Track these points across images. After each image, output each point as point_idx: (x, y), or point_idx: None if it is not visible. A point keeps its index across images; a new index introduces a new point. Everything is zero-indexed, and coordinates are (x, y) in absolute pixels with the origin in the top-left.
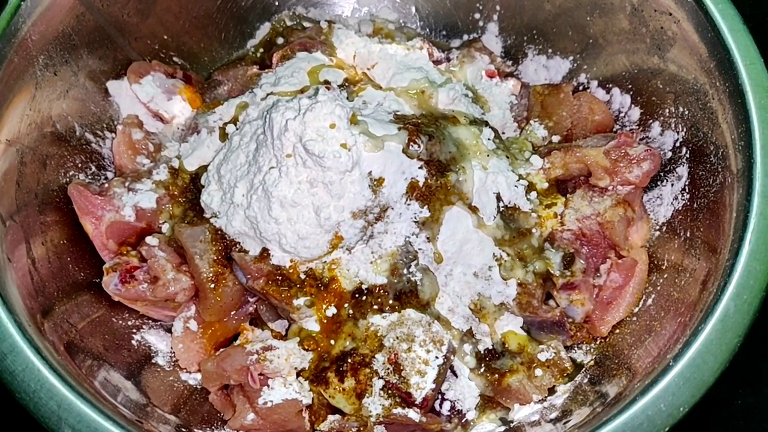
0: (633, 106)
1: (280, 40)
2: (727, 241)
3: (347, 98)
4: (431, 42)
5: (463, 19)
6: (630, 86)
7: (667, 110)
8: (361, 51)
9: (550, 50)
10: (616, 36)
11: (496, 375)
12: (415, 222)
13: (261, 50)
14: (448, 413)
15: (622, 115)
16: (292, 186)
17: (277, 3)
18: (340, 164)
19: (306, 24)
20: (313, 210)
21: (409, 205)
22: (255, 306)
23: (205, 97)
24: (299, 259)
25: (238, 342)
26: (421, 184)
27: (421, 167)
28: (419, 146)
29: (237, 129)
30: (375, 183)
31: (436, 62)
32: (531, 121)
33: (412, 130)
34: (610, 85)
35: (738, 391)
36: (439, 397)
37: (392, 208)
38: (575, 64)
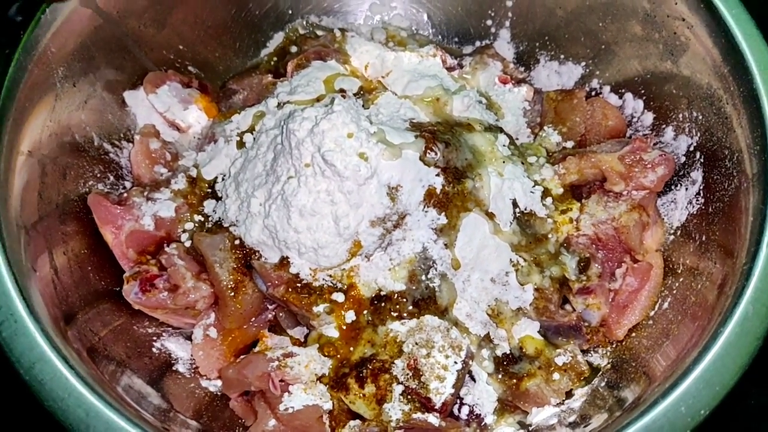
0: (646, 111)
1: (293, 49)
2: (743, 245)
3: (363, 106)
4: (444, 49)
5: (475, 25)
6: (643, 91)
7: (680, 115)
8: (375, 59)
9: (562, 56)
10: (628, 41)
11: (514, 379)
12: (433, 229)
13: (275, 59)
14: (467, 417)
15: (635, 120)
16: (311, 195)
17: (290, 12)
18: (359, 174)
19: (319, 32)
20: (332, 219)
21: (426, 212)
22: (274, 313)
23: (220, 106)
24: (319, 267)
25: (257, 349)
26: (438, 191)
27: (438, 174)
28: (436, 154)
29: (254, 138)
30: (393, 191)
31: (450, 69)
32: (545, 127)
33: (428, 137)
34: (623, 90)
35: (752, 391)
36: (458, 401)
37: (410, 215)
38: (588, 70)
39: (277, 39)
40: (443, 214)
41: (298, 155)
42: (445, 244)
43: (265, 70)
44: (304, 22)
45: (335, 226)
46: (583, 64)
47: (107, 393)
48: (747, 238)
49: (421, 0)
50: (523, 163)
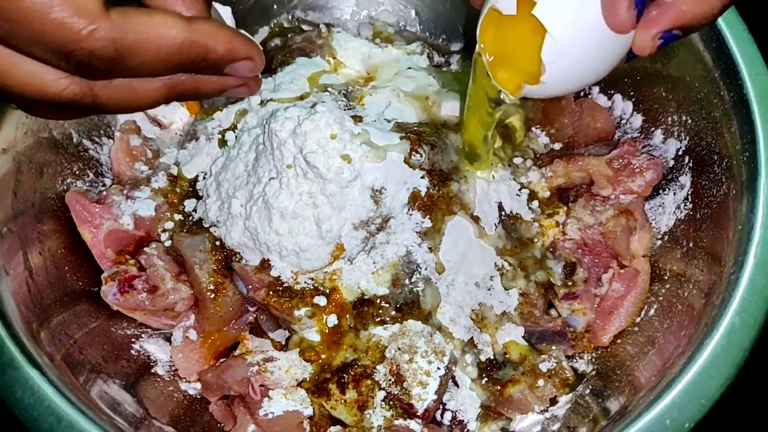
0: (635, 113)
1: (277, 41)
2: (731, 254)
3: (348, 105)
4: (432, 46)
5: (463, 23)
6: (632, 93)
7: (669, 118)
8: (362, 55)
9: None
10: None
11: (498, 385)
12: (417, 232)
13: None
14: (450, 423)
15: (624, 122)
16: (292, 197)
17: (275, 6)
18: (342, 177)
19: (305, 27)
20: (314, 222)
21: (411, 215)
22: (255, 315)
23: (203, 102)
24: (300, 270)
25: (238, 351)
26: (423, 194)
27: (423, 177)
28: (421, 156)
29: (236, 137)
30: (377, 193)
31: (437, 66)
32: (533, 128)
33: (414, 139)
34: (612, 92)
35: (736, 404)
36: (441, 407)
37: (394, 219)
38: None
39: (262, 33)
40: (428, 217)
41: (280, 156)
42: (430, 248)
43: None
44: (290, 17)
45: (317, 229)
46: None
47: (80, 400)
48: (735, 247)
49: None
50: (509, 166)
